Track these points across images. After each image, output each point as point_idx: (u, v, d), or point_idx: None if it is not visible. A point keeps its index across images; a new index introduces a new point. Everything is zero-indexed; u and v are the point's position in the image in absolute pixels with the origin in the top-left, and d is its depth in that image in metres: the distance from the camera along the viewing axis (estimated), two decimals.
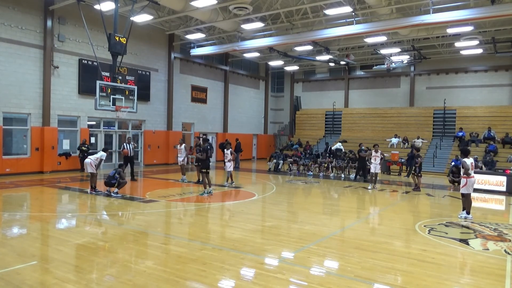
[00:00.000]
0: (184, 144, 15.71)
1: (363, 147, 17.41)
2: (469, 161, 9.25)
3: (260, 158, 30.61)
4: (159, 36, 22.15)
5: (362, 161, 16.71)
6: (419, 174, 14.15)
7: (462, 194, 9.35)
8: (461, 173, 9.38)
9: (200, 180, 13.58)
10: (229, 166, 14.19)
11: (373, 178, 14.56)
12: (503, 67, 24.71)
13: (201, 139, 12.96)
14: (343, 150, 21.20)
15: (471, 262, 6.20)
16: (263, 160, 28.74)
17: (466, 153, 9.43)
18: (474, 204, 11.38)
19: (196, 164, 12.71)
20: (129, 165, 14.96)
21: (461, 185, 9.38)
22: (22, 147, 16.78)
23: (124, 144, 15.01)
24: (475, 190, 11.87)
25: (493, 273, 5.62)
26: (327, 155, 20.49)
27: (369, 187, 14.44)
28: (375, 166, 14.49)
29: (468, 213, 9.24)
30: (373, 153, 14.59)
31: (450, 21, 15.80)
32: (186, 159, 15.66)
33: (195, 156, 13.62)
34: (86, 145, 17.93)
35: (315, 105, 31.68)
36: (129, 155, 14.76)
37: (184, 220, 9.13)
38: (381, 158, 14.66)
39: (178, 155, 15.49)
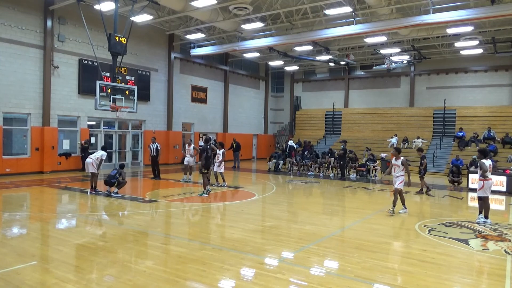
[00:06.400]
0: (193, 145, 15.82)
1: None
2: (487, 162, 8.84)
3: (260, 158, 30.60)
4: (159, 36, 22.15)
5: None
6: (423, 176, 13.49)
7: (479, 197, 8.90)
8: (478, 175, 8.92)
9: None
10: (221, 167, 14.13)
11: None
12: (503, 67, 24.71)
13: (202, 138, 12.99)
14: (295, 147, 22.33)
15: (471, 262, 6.19)
16: (263, 160, 28.72)
17: (485, 154, 9.09)
18: (473, 204, 11.40)
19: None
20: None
21: (478, 188, 8.94)
22: (22, 147, 16.78)
23: (150, 144, 15.92)
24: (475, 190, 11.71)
25: (493, 273, 5.62)
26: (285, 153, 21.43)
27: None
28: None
29: (486, 217, 8.80)
30: None
31: (450, 21, 15.81)
32: (193, 159, 15.71)
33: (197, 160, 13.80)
34: (87, 144, 17.98)
35: (315, 105, 31.68)
36: (151, 154, 15.72)
37: (184, 220, 9.13)
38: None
39: (187, 155, 15.52)
